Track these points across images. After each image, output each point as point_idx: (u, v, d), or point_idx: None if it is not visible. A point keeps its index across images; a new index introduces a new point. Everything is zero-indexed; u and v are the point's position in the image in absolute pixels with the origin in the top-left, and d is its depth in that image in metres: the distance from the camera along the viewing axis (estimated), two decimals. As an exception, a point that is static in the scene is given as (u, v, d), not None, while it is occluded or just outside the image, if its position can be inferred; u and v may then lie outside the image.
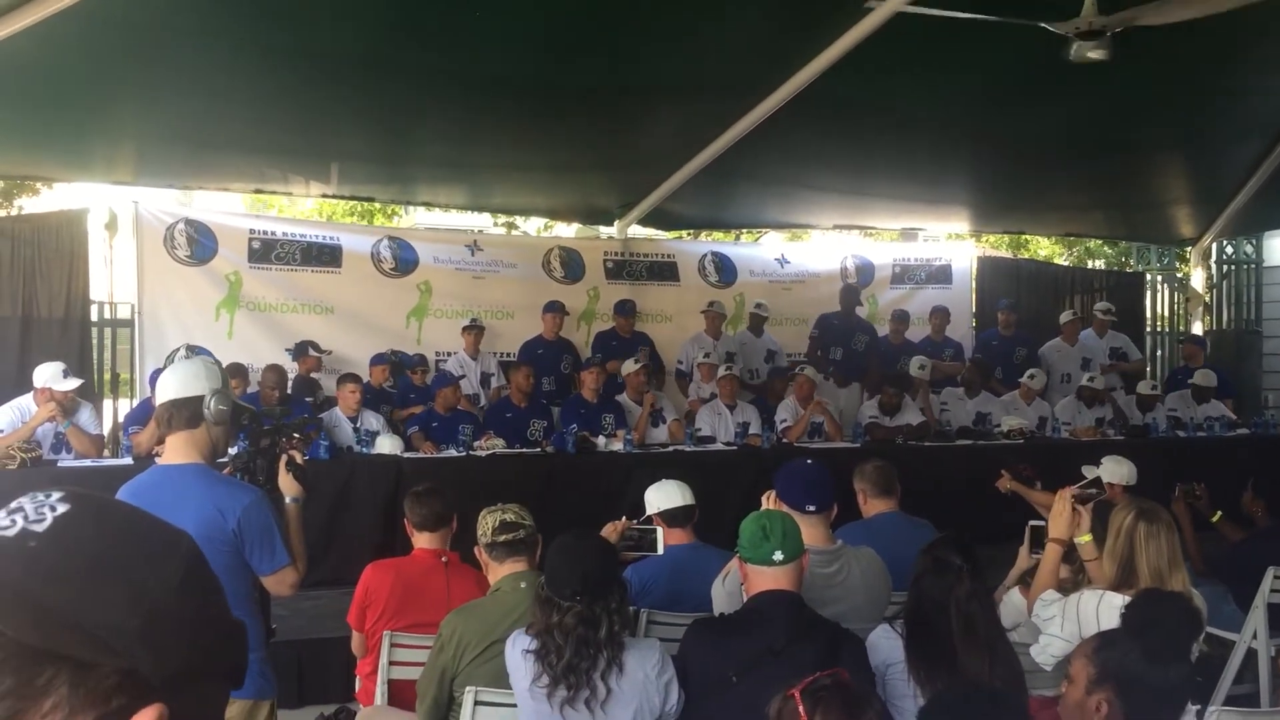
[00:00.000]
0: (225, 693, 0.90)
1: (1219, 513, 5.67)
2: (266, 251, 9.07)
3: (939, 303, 10.79)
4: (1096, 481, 3.76)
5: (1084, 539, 3.63)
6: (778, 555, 2.97)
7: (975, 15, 5.62)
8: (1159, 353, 13.24)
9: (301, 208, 14.14)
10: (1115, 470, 5.43)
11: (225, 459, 3.98)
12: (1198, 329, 12.53)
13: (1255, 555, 4.99)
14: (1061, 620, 3.38)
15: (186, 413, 3.00)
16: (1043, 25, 5.33)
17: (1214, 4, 5.38)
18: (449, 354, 9.27)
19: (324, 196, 10.52)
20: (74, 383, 6.84)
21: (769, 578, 2.99)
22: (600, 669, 2.87)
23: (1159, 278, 13.62)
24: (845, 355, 9.85)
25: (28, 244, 8.32)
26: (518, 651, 2.97)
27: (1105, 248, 16.65)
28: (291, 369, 8.51)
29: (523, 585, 3.42)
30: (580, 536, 3.11)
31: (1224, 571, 5.28)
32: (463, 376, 8.65)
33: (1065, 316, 10.52)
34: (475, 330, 9.05)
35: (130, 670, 0.77)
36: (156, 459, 3.19)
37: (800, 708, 2.04)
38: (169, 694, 0.79)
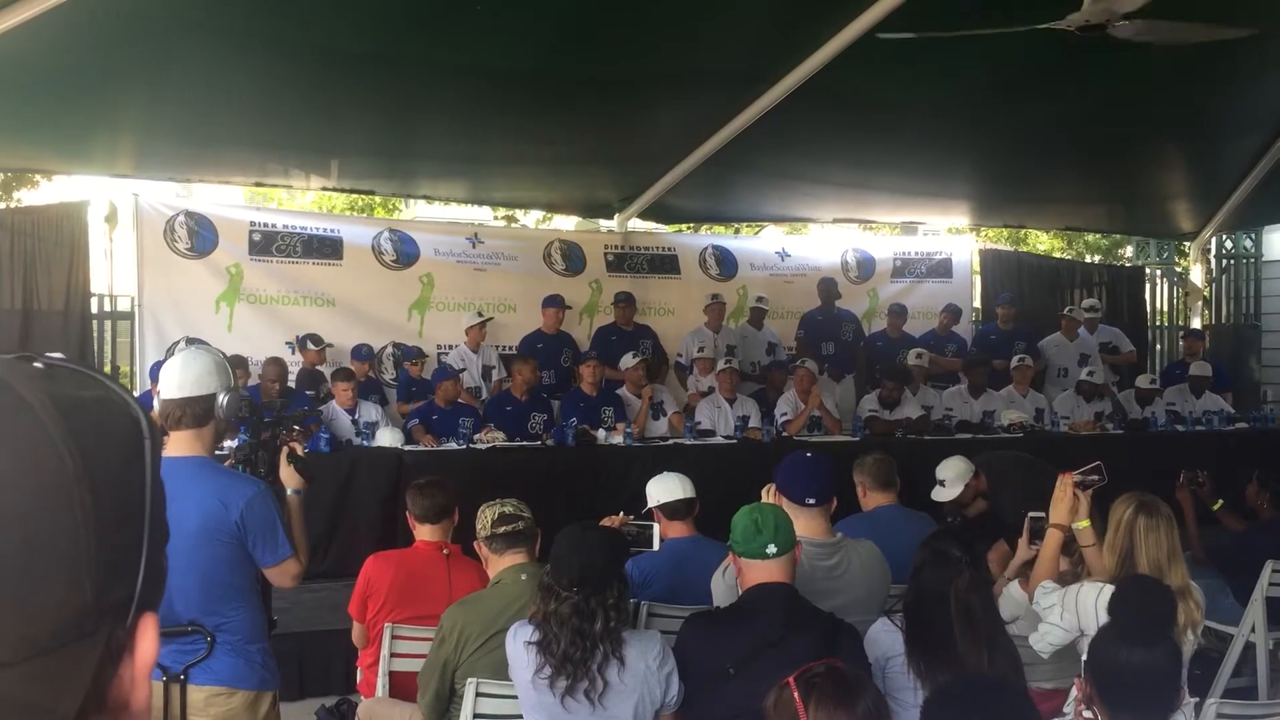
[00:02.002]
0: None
1: (1220, 501, 5.68)
2: (267, 244, 9.07)
3: (939, 296, 10.85)
4: (1098, 469, 3.76)
5: (1082, 525, 3.64)
6: (771, 549, 2.99)
7: (974, 32, 5.60)
8: (1158, 347, 13.25)
9: (301, 202, 14.12)
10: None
11: (226, 451, 4.00)
12: (1196, 323, 12.54)
13: (1255, 547, 5.00)
14: (1061, 610, 3.39)
15: (197, 410, 2.98)
16: (1043, 27, 5.31)
17: (1206, 33, 5.44)
18: (451, 347, 9.28)
19: (324, 190, 10.53)
20: None
21: (763, 571, 3.01)
22: (598, 661, 2.88)
23: (1158, 272, 13.62)
24: (838, 348, 9.90)
25: (28, 236, 8.32)
26: (519, 643, 2.98)
27: (1102, 241, 16.67)
28: (292, 362, 8.52)
29: (523, 577, 3.43)
30: (586, 528, 3.13)
31: (1224, 562, 5.29)
32: (463, 370, 8.66)
33: (1064, 312, 10.56)
34: (479, 325, 9.05)
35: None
36: (158, 451, 3.19)
37: (795, 695, 2.06)
38: (146, 598, 0.67)
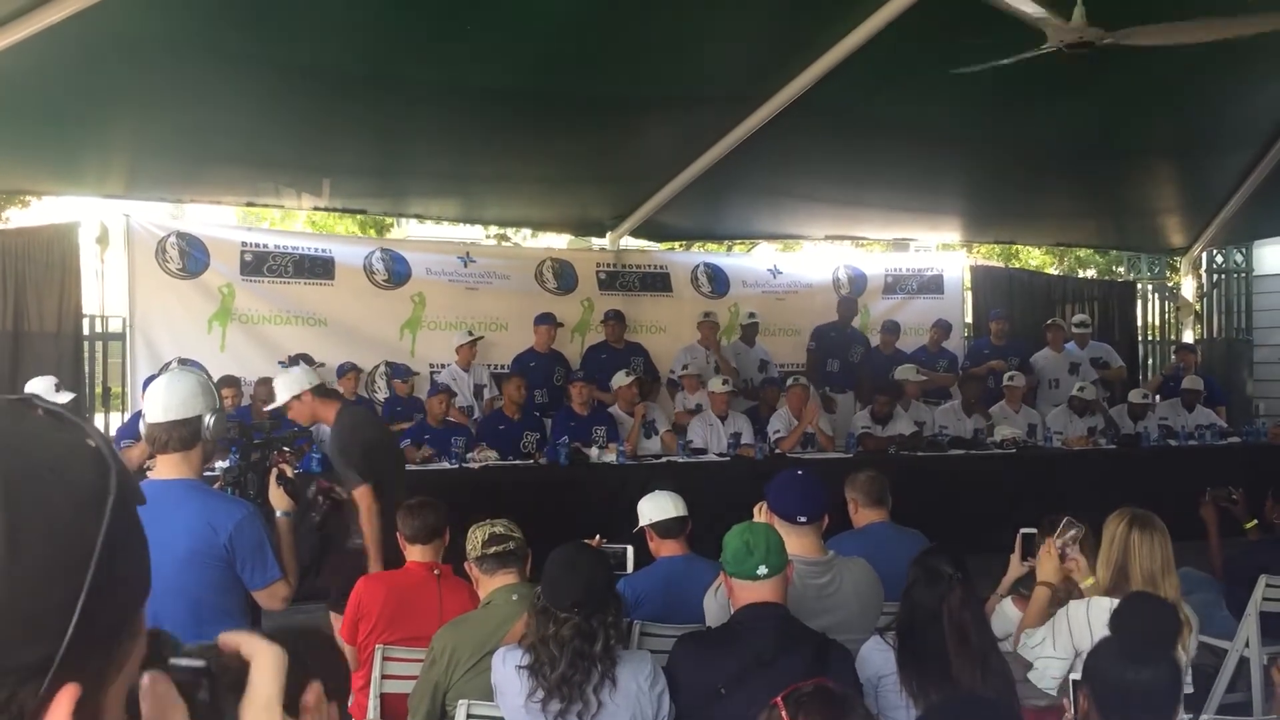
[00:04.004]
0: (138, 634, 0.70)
1: (1255, 520, 5.63)
2: (259, 264, 9.06)
3: (931, 312, 10.87)
4: (1069, 523, 3.75)
5: (1088, 582, 3.61)
6: (762, 570, 2.97)
7: (998, 63, 5.59)
8: (1150, 361, 13.28)
9: (294, 224, 14.11)
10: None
11: (216, 472, 3.98)
12: (1188, 338, 12.57)
13: (1259, 562, 4.99)
14: (1052, 639, 3.39)
15: (183, 433, 2.97)
16: (1034, 52, 5.33)
17: (1201, 33, 5.44)
18: (443, 365, 9.27)
19: (316, 209, 10.53)
20: (65, 397, 6.83)
21: (754, 591, 2.99)
22: (593, 682, 2.87)
23: (1150, 287, 13.66)
24: (841, 367, 9.91)
25: (19, 257, 8.30)
26: (509, 668, 2.95)
27: (1096, 256, 16.72)
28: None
29: (514, 597, 3.42)
30: (580, 549, 3.12)
31: (1230, 577, 5.27)
32: (451, 393, 8.59)
33: (1048, 323, 10.61)
34: (470, 344, 9.04)
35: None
36: (148, 473, 3.19)
37: (783, 714, 2.05)
38: (72, 669, 0.62)
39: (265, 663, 0.74)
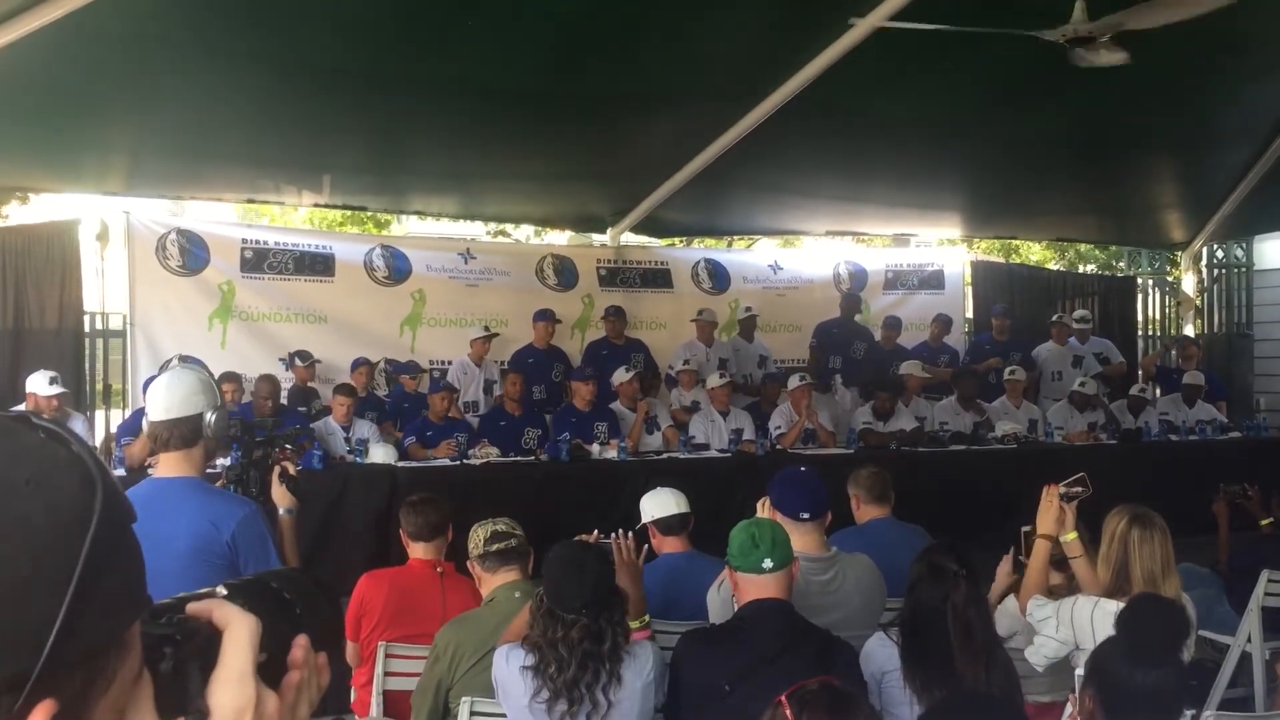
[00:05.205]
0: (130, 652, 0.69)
1: (1270, 519, 5.61)
2: (259, 261, 9.06)
3: (931, 307, 10.87)
4: (1082, 480, 3.75)
5: (1069, 536, 3.63)
6: (767, 563, 2.97)
7: (965, 28, 5.60)
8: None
9: (294, 218, 14.11)
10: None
11: (218, 470, 3.97)
12: (1189, 332, 12.56)
13: (1256, 558, 4.99)
14: (1056, 622, 3.38)
15: (184, 430, 2.95)
16: (1033, 34, 5.33)
17: (1199, 5, 5.39)
18: (444, 362, 9.26)
19: (316, 206, 10.54)
20: (56, 389, 6.92)
21: (758, 586, 2.99)
22: (602, 683, 2.87)
23: (1150, 282, 13.66)
24: (845, 364, 9.89)
25: (19, 255, 8.30)
26: (513, 668, 2.94)
27: (1096, 252, 16.71)
28: (285, 379, 8.50)
29: (517, 595, 3.42)
30: (582, 547, 3.10)
31: (1233, 571, 5.27)
32: (452, 389, 8.57)
33: (1053, 319, 10.61)
34: (484, 338, 9.02)
35: None
36: (150, 470, 3.18)
37: (788, 713, 2.05)
38: (50, 686, 0.61)
39: (238, 632, 0.72)
